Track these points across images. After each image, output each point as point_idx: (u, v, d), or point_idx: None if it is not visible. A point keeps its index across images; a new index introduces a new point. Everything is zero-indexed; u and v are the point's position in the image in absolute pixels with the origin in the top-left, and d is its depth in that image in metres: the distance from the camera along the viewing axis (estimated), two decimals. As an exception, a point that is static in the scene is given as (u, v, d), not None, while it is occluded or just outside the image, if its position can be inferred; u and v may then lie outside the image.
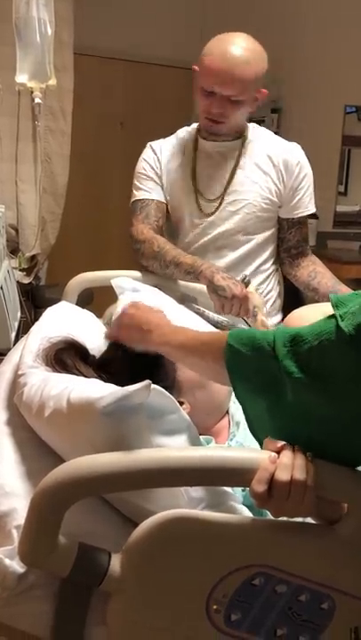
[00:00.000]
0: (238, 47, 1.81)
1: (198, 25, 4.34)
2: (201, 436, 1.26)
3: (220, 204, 1.94)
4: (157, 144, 2.04)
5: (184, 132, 2.04)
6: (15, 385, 1.29)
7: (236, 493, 1.15)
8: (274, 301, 2.05)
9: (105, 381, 1.15)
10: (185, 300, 1.96)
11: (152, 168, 2.01)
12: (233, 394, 1.42)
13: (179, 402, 1.18)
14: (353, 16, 3.96)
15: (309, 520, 1.02)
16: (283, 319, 1.78)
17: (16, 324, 2.23)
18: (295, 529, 1.00)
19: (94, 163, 4.43)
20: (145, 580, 0.95)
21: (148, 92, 4.58)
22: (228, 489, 1.12)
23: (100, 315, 1.82)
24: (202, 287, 1.83)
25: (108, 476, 0.92)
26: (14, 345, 1.82)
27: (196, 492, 1.05)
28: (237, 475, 0.94)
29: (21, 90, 2.72)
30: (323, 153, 4.11)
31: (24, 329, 2.02)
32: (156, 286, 1.91)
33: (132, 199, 2.03)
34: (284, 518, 0.97)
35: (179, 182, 1.98)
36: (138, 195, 2.02)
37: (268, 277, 2.02)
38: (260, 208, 1.94)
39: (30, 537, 0.93)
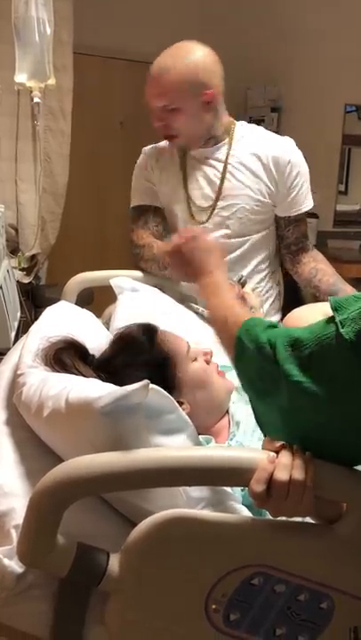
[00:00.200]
0: (163, 56, 1.83)
1: (198, 24, 4.34)
2: (201, 436, 1.26)
3: (213, 211, 1.93)
4: (150, 150, 2.03)
5: None
6: (14, 385, 1.29)
7: (235, 493, 1.15)
8: (273, 301, 2.05)
9: (104, 381, 1.15)
10: (184, 300, 1.96)
11: (146, 175, 2.02)
12: (233, 394, 1.43)
13: (178, 402, 1.18)
14: (353, 15, 3.97)
15: (308, 520, 1.02)
16: (282, 319, 1.78)
17: (16, 324, 2.23)
18: (294, 529, 1.00)
19: (94, 163, 4.42)
20: (144, 580, 0.95)
21: (148, 92, 4.57)
22: (228, 489, 1.12)
23: (99, 314, 1.82)
24: (201, 287, 1.82)
25: (106, 475, 0.92)
26: (14, 344, 1.82)
27: (195, 491, 1.05)
28: (236, 474, 0.95)
29: (21, 89, 2.71)
30: (323, 152, 4.11)
31: (24, 328, 2.02)
32: (155, 286, 1.91)
33: (131, 205, 2.04)
34: (284, 518, 0.97)
35: (171, 189, 1.98)
36: (135, 201, 2.03)
37: (265, 277, 2.01)
38: (252, 211, 1.92)
39: (29, 537, 0.93)
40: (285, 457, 0.93)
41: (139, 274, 1.96)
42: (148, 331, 1.37)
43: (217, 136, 1.93)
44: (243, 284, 1.75)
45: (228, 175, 1.92)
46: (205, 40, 1.88)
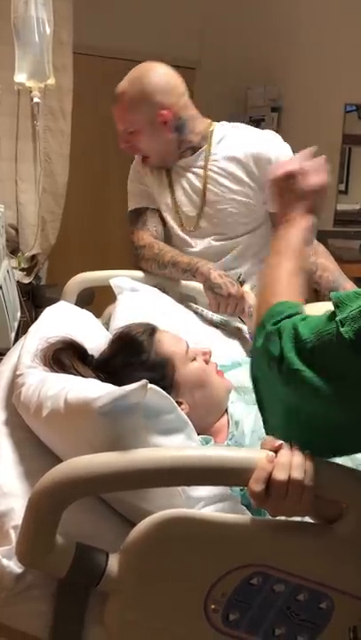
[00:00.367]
0: (123, 80, 1.89)
1: (198, 25, 4.34)
2: (200, 436, 1.25)
3: (199, 219, 1.94)
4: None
5: None
6: (13, 385, 1.29)
7: (234, 493, 1.15)
8: None
9: (103, 381, 1.15)
10: (184, 300, 1.96)
11: (140, 178, 2.03)
12: (232, 393, 1.42)
13: (177, 402, 1.18)
14: (353, 15, 3.96)
15: (308, 519, 1.02)
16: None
17: (16, 324, 2.23)
18: (293, 528, 1.00)
19: (94, 163, 4.42)
20: (143, 580, 0.95)
21: (148, 92, 4.57)
22: (227, 488, 1.12)
23: (100, 314, 1.82)
24: (201, 287, 1.82)
25: (105, 475, 0.92)
26: (14, 345, 1.82)
27: (194, 491, 1.05)
28: (235, 474, 0.94)
29: (20, 89, 2.72)
30: (323, 152, 4.10)
31: (24, 329, 2.02)
32: (155, 286, 1.91)
33: (129, 209, 2.05)
34: (283, 518, 0.97)
35: (160, 196, 2.00)
36: (132, 204, 2.05)
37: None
38: (241, 214, 1.92)
39: (28, 537, 0.93)
40: (284, 456, 0.93)
41: (139, 274, 1.96)
42: (148, 331, 1.37)
43: (194, 145, 1.93)
44: (242, 283, 1.76)
45: (210, 183, 1.92)
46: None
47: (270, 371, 0.95)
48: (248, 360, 1.59)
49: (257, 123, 4.46)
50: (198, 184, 1.93)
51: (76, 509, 0.94)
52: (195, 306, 1.94)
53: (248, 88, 4.58)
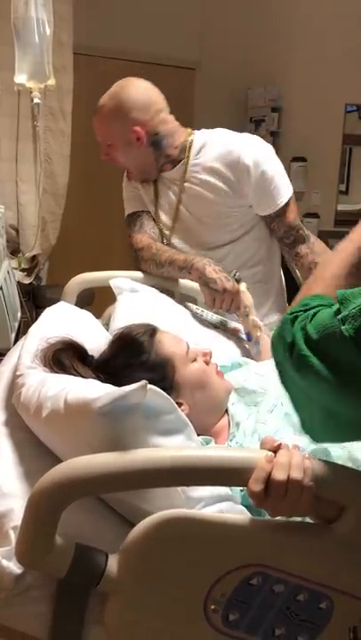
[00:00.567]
0: (105, 94, 1.91)
1: (198, 25, 4.34)
2: (201, 437, 1.25)
3: (171, 235, 1.98)
4: None
5: None
6: (13, 385, 1.29)
7: (234, 493, 1.15)
8: (275, 299, 2.05)
9: (103, 382, 1.15)
10: (184, 300, 1.96)
11: (134, 182, 2.05)
12: (232, 394, 1.42)
13: (177, 403, 1.18)
14: (353, 15, 3.96)
15: (307, 519, 1.02)
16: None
17: (16, 325, 2.23)
18: (293, 528, 1.00)
19: (94, 163, 4.41)
20: (142, 581, 0.95)
21: (148, 92, 4.57)
22: (227, 489, 1.12)
23: (100, 315, 1.82)
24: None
25: (104, 476, 0.92)
26: (14, 345, 1.82)
27: (194, 491, 1.05)
28: (235, 474, 0.94)
29: (21, 90, 2.72)
30: (324, 152, 4.11)
31: (25, 329, 2.03)
32: (154, 286, 1.91)
33: (125, 213, 2.08)
34: (282, 518, 0.97)
35: (149, 205, 2.02)
36: (128, 209, 2.07)
37: (259, 274, 2.01)
38: (225, 223, 1.93)
39: (27, 537, 0.93)
40: (283, 456, 0.93)
41: (139, 274, 1.96)
42: (148, 331, 1.37)
43: (173, 159, 1.94)
44: (238, 281, 1.76)
45: (184, 198, 1.94)
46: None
47: (285, 357, 0.95)
48: (248, 361, 1.61)
49: (257, 123, 4.46)
50: (174, 198, 1.95)
51: (76, 510, 0.94)
52: (195, 306, 1.94)
53: (248, 88, 4.58)
